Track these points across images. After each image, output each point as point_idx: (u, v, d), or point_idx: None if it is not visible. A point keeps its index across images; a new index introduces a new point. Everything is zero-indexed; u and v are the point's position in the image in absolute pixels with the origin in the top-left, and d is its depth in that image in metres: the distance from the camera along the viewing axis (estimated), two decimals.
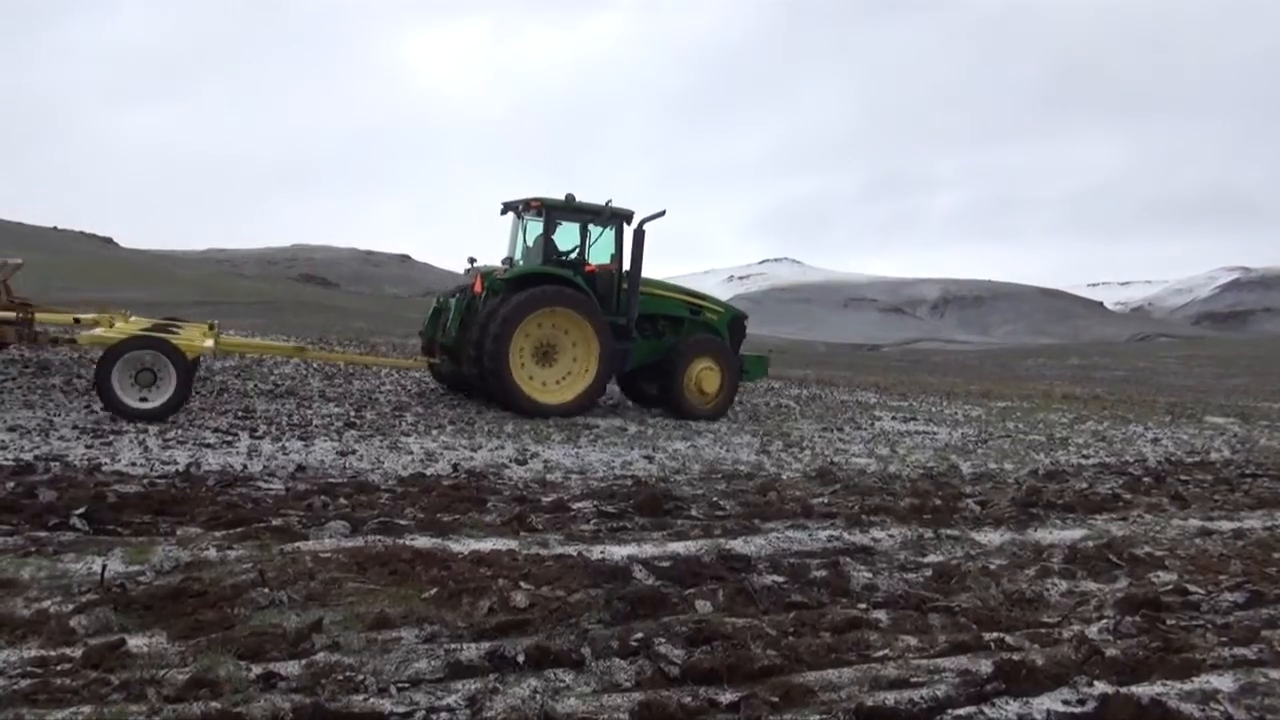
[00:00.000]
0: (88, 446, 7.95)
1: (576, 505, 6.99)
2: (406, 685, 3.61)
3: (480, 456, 9.03)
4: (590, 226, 12.49)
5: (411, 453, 8.92)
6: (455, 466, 8.39)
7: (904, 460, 10.67)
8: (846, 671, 4.04)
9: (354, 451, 8.68)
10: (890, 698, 3.78)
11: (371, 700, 3.45)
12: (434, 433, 10.28)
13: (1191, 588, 5.64)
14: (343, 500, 6.70)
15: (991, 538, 6.81)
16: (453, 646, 3.98)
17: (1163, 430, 15.14)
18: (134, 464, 7.44)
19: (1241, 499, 9.02)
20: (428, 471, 8.07)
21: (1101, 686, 4.01)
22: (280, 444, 8.80)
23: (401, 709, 3.39)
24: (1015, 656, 4.24)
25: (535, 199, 12.12)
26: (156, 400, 9.38)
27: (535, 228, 12.58)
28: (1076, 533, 7.11)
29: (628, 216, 12.39)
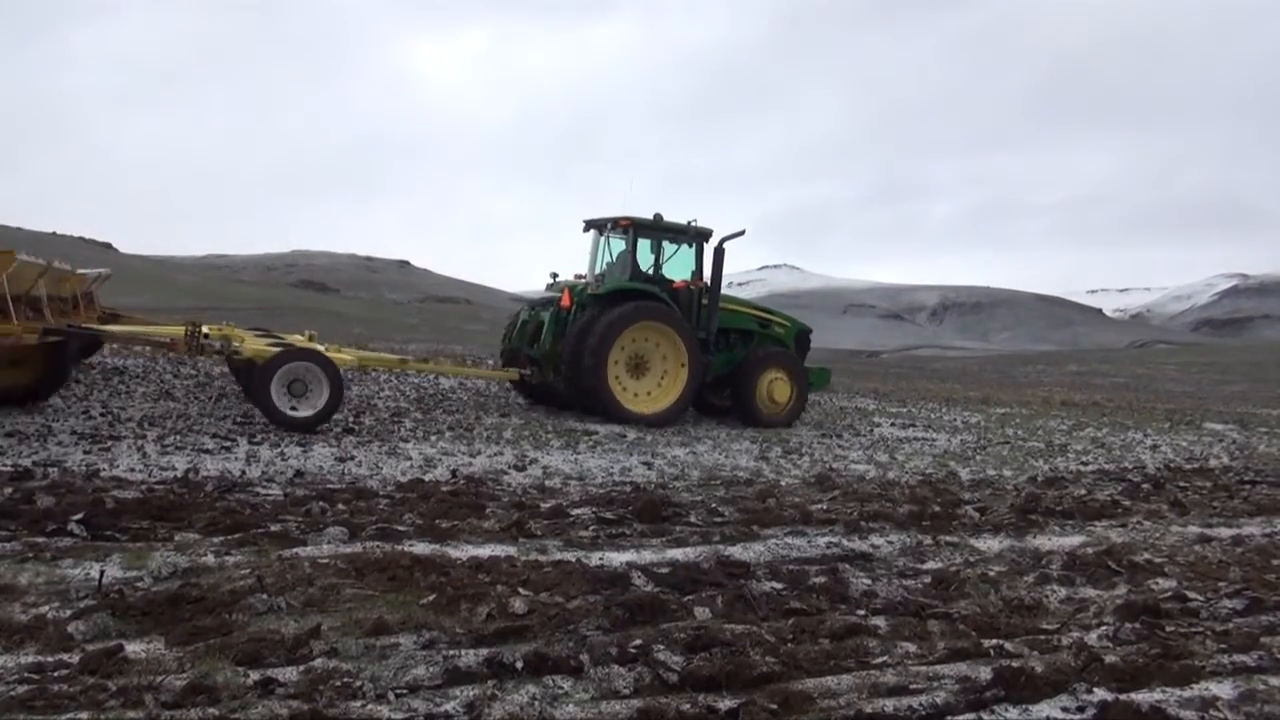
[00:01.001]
0: (86, 452, 7.95)
1: (575, 511, 6.98)
2: (405, 691, 3.60)
3: (479, 462, 9.02)
4: (673, 244, 13.08)
5: (410, 458, 8.91)
6: (454, 472, 8.38)
7: (903, 467, 10.66)
8: (845, 678, 4.03)
9: (352, 457, 8.67)
10: (889, 705, 3.78)
11: (369, 706, 3.44)
12: (433, 439, 10.27)
13: (1191, 594, 5.63)
14: (341, 506, 6.69)
15: (990, 544, 6.81)
16: (451, 653, 3.97)
17: (1162, 437, 15.14)
18: (132, 470, 7.43)
19: (1240, 505, 9.01)
20: (426, 477, 8.07)
21: (1101, 693, 4.01)
22: (279, 450, 8.79)
23: (400, 715, 3.38)
24: (1014, 663, 4.24)
25: (624, 218, 12.68)
26: (308, 410, 9.84)
27: (617, 244, 13.17)
28: (1076, 539, 7.11)
29: (708, 235, 12.97)
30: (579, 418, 12.38)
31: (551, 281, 13.69)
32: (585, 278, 13.43)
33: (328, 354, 10.37)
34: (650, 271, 13.15)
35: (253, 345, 10.23)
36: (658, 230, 12.95)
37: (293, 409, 9.74)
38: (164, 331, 10.49)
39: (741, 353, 13.48)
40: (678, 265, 13.26)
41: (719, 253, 12.73)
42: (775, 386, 13.12)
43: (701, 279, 12.93)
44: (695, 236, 13.03)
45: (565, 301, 12.58)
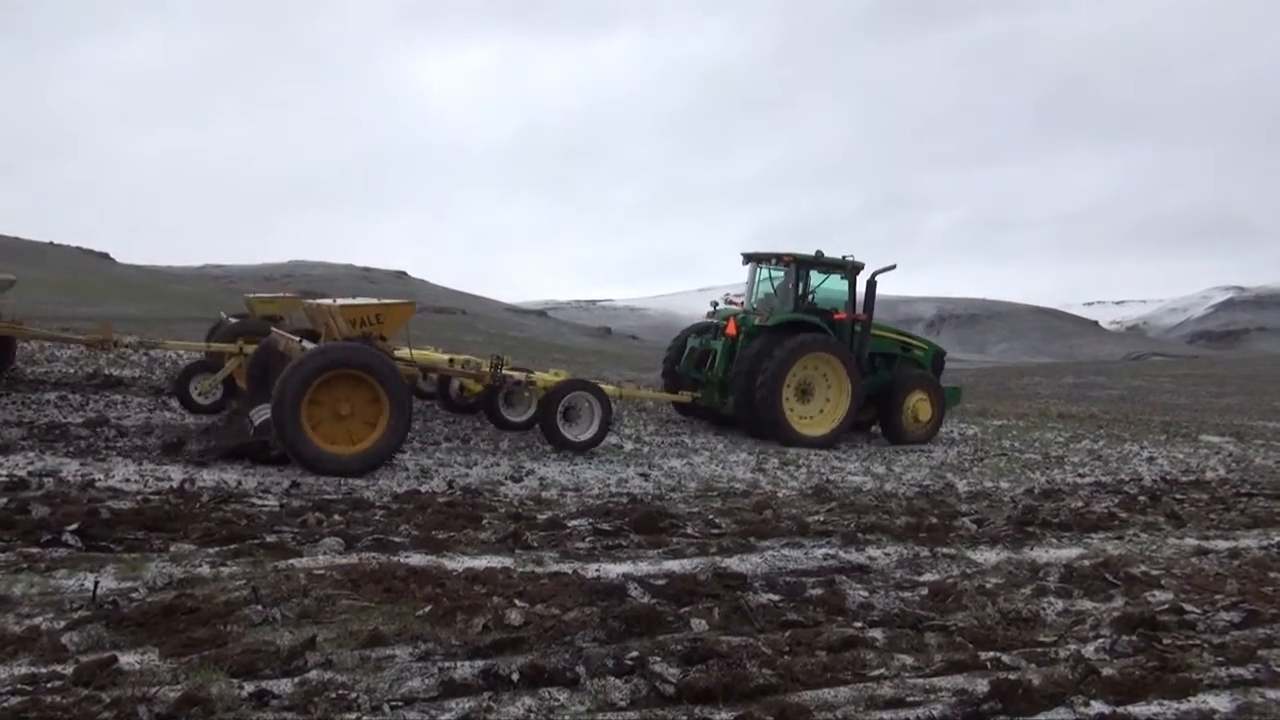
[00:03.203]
0: (82, 463, 7.92)
1: (572, 523, 6.97)
2: (400, 704, 3.59)
3: (475, 473, 9.01)
4: (822, 274, 14.00)
5: (406, 469, 8.89)
6: (450, 483, 8.37)
7: (900, 478, 10.66)
8: (843, 691, 4.02)
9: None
10: (886, 717, 3.77)
11: (365, 718, 3.43)
12: (429, 449, 10.26)
13: (1188, 607, 5.63)
14: (337, 517, 6.67)
15: (988, 556, 6.80)
16: (447, 665, 3.96)
17: (1158, 449, 15.14)
18: (128, 480, 7.41)
19: (1237, 518, 9.01)
20: (423, 488, 8.05)
21: (1098, 706, 4.01)
22: (275, 461, 8.76)
23: None
24: (1012, 676, 4.23)
25: (788, 254, 13.77)
26: (583, 434, 10.80)
27: (777, 276, 14.27)
28: (1073, 551, 7.10)
29: (861, 268, 13.97)
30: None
31: (712, 310, 14.72)
32: (738, 304, 14.61)
33: (609, 387, 11.91)
34: (815, 302, 14.17)
35: (542, 377, 11.44)
36: (817, 265, 13.89)
37: (570, 433, 10.78)
38: (467, 362, 11.39)
39: (885, 375, 14.39)
40: (824, 294, 14.27)
41: (871, 284, 13.79)
42: (919, 407, 14.10)
43: (855, 309, 14.00)
44: (849, 270, 14.04)
45: (731, 330, 13.55)
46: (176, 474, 7.76)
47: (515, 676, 3.86)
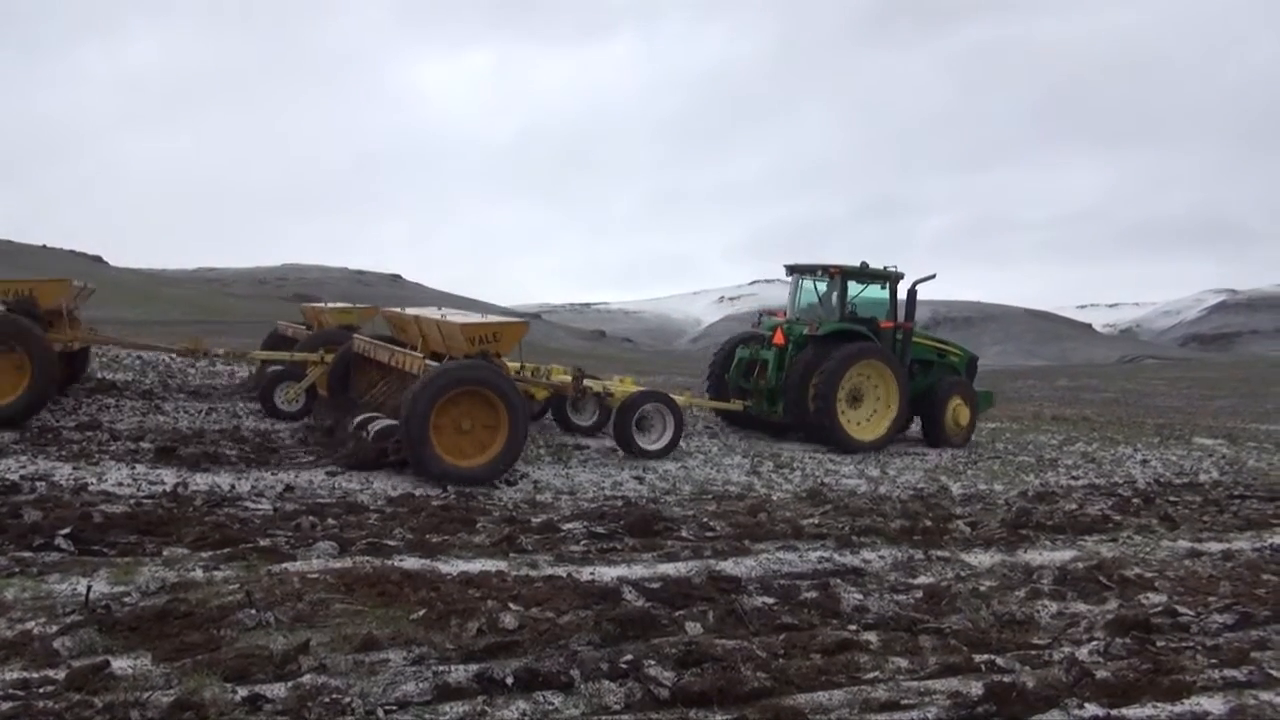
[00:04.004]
0: (75, 466, 7.90)
1: (566, 526, 6.97)
2: (394, 707, 3.58)
3: None
4: (859, 284, 14.54)
5: (401, 473, 8.88)
6: (444, 487, 8.35)
7: (894, 481, 10.67)
8: (837, 694, 4.02)
9: (343, 472, 8.63)
10: None
11: None
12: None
13: (1181, 609, 5.64)
14: (331, 520, 6.66)
15: (982, 559, 6.81)
16: (441, 668, 3.95)
17: (1151, 451, 15.17)
18: (121, 484, 7.39)
19: (1230, 520, 9.04)
20: (417, 492, 8.04)
21: (1092, 709, 4.01)
22: (269, 465, 8.75)
23: None
24: (1006, 679, 4.24)
25: (834, 266, 14.27)
26: (656, 443, 11.17)
27: (820, 287, 14.76)
28: (1066, 554, 7.12)
29: (901, 277, 14.59)
30: (570, 433, 12.39)
31: (759, 320, 15.47)
32: (779, 315, 15.17)
33: (680, 397, 12.52)
34: (856, 311, 14.66)
35: (619, 388, 11.91)
36: (861, 276, 14.44)
37: (644, 441, 11.09)
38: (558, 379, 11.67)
39: (923, 381, 14.77)
40: (864, 303, 14.80)
41: (912, 294, 14.28)
42: (959, 411, 14.64)
43: (896, 316, 14.56)
44: (891, 279, 14.63)
45: (780, 340, 14.03)
46: (170, 478, 7.74)
47: (510, 680, 3.85)
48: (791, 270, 15.09)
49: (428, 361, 9.26)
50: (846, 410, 13.49)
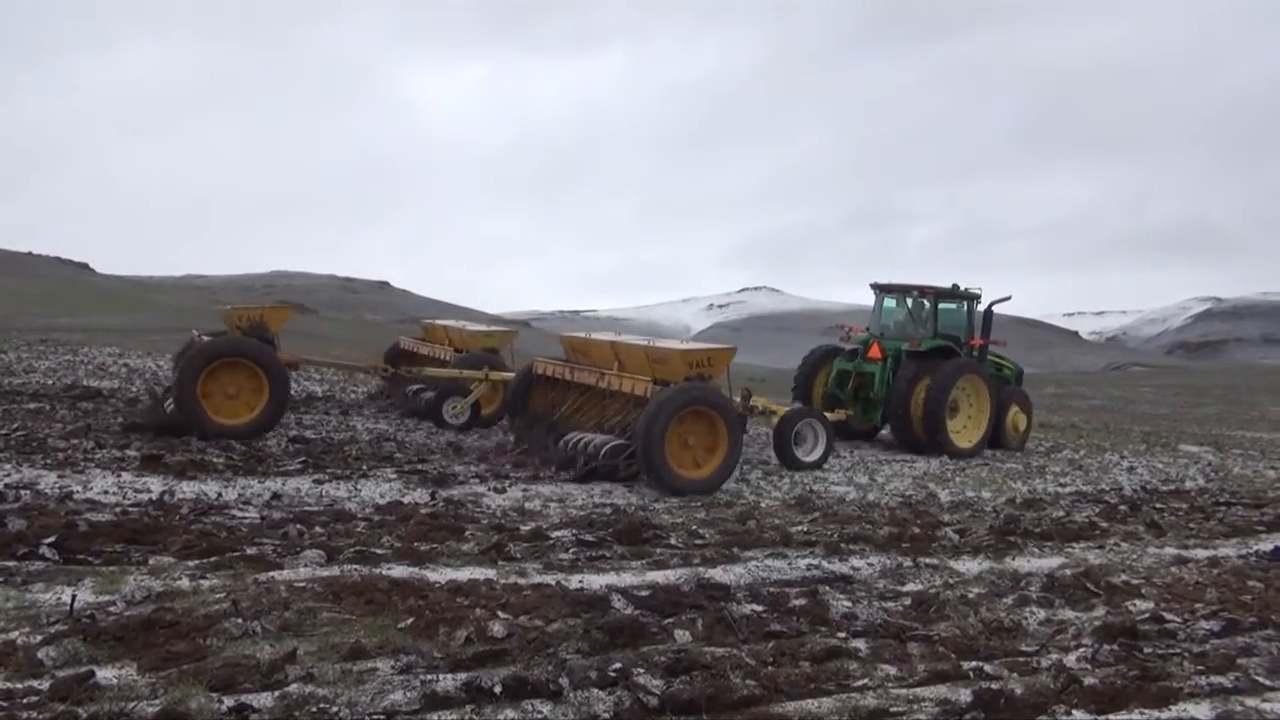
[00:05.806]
0: (60, 475, 7.84)
1: (555, 534, 6.95)
2: (382, 717, 3.57)
3: (458, 485, 8.96)
4: (952, 305, 15.49)
5: (389, 480, 8.84)
6: (433, 495, 8.32)
7: (883, 488, 10.69)
8: (826, 701, 4.03)
9: (331, 480, 8.59)
10: None
11: None
12: (413, 461, 10.19)
13: (1168, 616, 5.67)
14: (319, 529, 6.63)
15: (970, 566, 6.83)
16: (429, 677, 3.93)
17: (1138, 458, 15.25)
18: (106, 492, 7.34)
19: (1216, 527, 9.09)
20: (405, 500, 8.00)
21: (1080, 715, 4.03)
22: (256, 472, 8.70)
23: None
24: (994, 685, 4.25)
25: (928, 287, 15.39)
26: (810, 455, 11.90)
27: (905, 304, 15.76)
28: (1054, 561, 7.14)
29: (979, 297, 15.67)
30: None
31: (846, 335, 16.09)
32: (860, 331, 15.94)
33: (832, 415, 13.56)
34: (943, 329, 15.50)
35: (778, 408, 12.48)
36: (950, 296, 15.43)
37: (800, 453, 11.85)
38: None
39: None
40: (956, 321, 15.70)
41: (988, 313, 15.51)
42: (1017, 419, 15.62)
43: (973, 332, 15.53)
44: (970, 299, 15.63)
45: (876, 354, 14.85)
46: (156, 486, 7.69)
47: (498, 689, 3.84)
48: (878, 289, 16.01)
49: (654, 384, 9.88)
50: (947, 420, 14.36)
